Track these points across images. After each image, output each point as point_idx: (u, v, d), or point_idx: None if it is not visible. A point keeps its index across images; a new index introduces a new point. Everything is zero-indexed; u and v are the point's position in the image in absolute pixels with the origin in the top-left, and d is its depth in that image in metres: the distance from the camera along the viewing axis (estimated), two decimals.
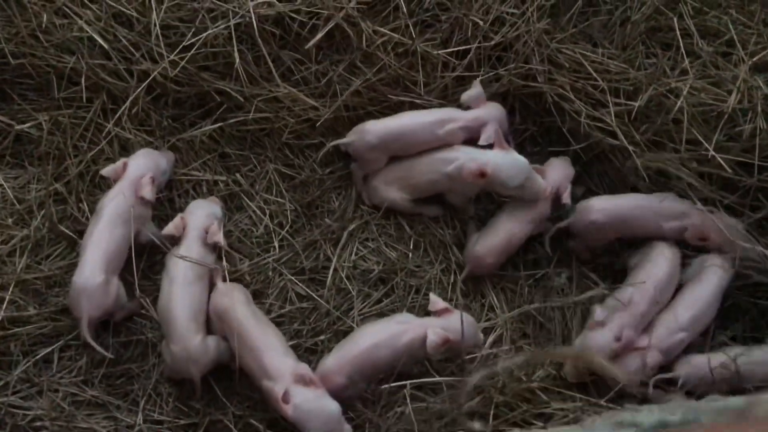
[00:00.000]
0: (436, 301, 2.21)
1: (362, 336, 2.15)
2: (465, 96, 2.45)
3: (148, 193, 2.24)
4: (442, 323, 2.14)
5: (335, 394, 2.05)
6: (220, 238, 2.24)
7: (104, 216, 2.20)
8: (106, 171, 2.29)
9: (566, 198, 2.41)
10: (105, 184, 2.43)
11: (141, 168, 2.28)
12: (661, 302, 2.26)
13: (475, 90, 2.44)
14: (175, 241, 2.26)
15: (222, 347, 2.14)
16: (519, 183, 2.30)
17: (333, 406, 1.97)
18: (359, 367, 2.11)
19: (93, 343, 2.11)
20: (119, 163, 2.30)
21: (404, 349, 2.14)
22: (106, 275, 2.14)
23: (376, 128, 2.41)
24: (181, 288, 2.13)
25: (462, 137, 2.41)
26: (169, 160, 2.43)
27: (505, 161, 2.29)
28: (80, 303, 2.12)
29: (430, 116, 2.42)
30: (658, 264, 2.30)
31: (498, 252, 2.40)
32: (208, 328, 2.17)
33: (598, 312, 2.21)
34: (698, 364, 2.16)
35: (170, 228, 2.23)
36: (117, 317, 2.25)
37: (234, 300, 2.16)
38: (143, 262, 2.34)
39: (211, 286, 2.22)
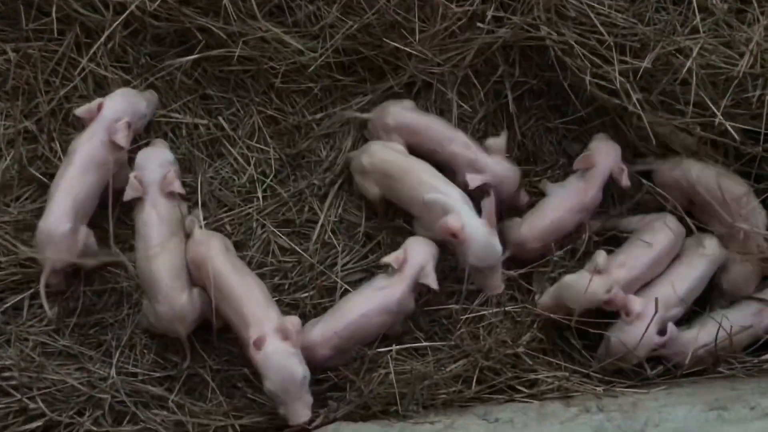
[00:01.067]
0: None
1: (349, 308, 2.08)
2: (490, 141, 2.30)
3: (121, 138, 2.11)
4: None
5: (319, 364, 2.01)
6: (177, 186, 2.13)
7: (75, 160, 2.09)
8: (80, 111, 2.16)
9: (625, 180, 2.27)
10: (79, 124, 2.29)
11: (117, 110, 2.15)
12: (656, 273, 2.21)
13: (501, 140, 2.29)
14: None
15: (207, 300, 2.06)
16: (480, 265, 2.10)
17: (299, 370, 1.91)
18: (347, 339, 2.06)
19: (43, 297, 2.03)
20: (94, 103, 2.16)
21: (394, 316, 2.10)
22: (74, 223, 2.04)
23: (397, 113, 2.30)
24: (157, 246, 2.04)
25: (465, 170, 2.25)
26: (151, 101, 2.29)
27: (481, 238, 2.07)
28: (44, 251, 2.03)
29: (453, 133, 2.29)
30: (664, 233, 2.22)
31: (544, 237, 2.26)
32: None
33: (601, 258, 2.14)
34: (687, 342, 2.12)
35: (129, 192, 2.11)
36: (87, 266, 2.16)
37: (211, 248, 2.07)
38: (117, 207, 2.23)
39: (188, 236, 2.13)
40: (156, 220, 2.08)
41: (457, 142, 2.28)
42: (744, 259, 2.23)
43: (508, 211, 2.34)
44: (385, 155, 2.24)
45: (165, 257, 2.04)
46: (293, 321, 1.96)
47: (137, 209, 2.12)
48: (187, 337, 2.09)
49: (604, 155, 2.29)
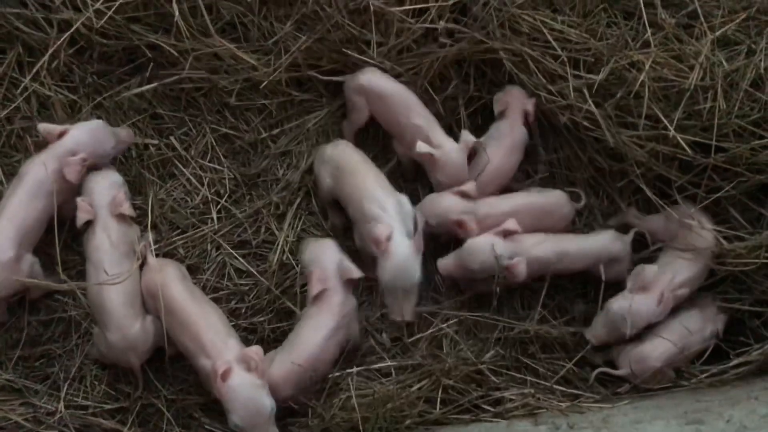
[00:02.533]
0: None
1: (305, 341, 2.00)
2: (464, 133, 2.29)
3: (71, 173, 2.03)
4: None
5: (282, 402, 1.93)
6: (126, 208, 2.06)
7: (23, 185, 2.00)
8: (43, 127, 2.08)
9: (532, 116, 2.35)
10: (21, 145, 2.21)
11: (78, 143, 2.07)
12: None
13: (472, 138, 2.28)
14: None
15: (160, 328, 1.98)
16: (394, 284, 2.05)
17: (267, 403, 1.85)
18: (307, 375, 1.99)
19: None
20: (58, 128, 2.08)
21: (346, 327, 2.05)
22: (17, 250, 1.96)
23: (372, 75, 2.28)
24: (109, 273, 1.95)
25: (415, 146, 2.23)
26: (122, 140, 2.19)
27: (401, 256, 2.03)
28: None
29: (422, 111, 2.28)
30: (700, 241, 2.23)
31: (494, 182, 2.33)
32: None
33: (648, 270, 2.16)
34: (641, 356, 2.13)
35: (82, 217, 2.03)
36: (33, 295, 2.07)
37: (166, 277, 2.00)
38: (65, 233, 2.14)
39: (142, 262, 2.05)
40: (107, 244, 2.00)
41: (422, 116, 2.27)
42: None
43: None
44: (346, 150, 2.25)
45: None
46: (256, 351, 1.89)
47: (88, 234, 2.04)
48: (140, 366, 2.00)
49: (514, 96, 2.37)
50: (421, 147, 2.21)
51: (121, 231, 2.04)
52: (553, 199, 2.33)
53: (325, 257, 2.09)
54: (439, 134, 2.25)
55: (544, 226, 2.28)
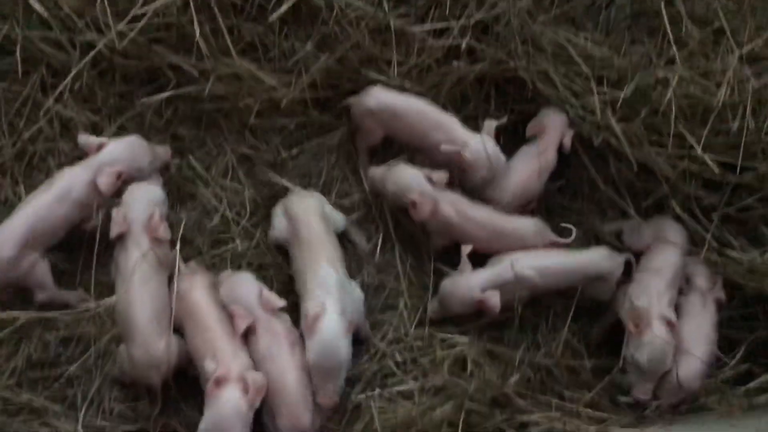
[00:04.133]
0: None
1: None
2: (486, 122, 2.29)
3: (104, 185, 2.05)
4: None
5: None
6: (162, 232, 2.05)
7: (51, 188, 2.04)
8: (82, 138, 2.12)
9: (567, 144, 2.31)
10: (44, 167, 2.24)
11: (114, 156, 2.09)
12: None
13: (493, 123, 2.28)
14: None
15: (184, 348, 1.97)
16: (311, 360, 1.92)
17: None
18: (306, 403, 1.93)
19: None
20: (97, 140, 2.11)
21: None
22: (22, 250, 1.97)
23: (379, 95, 2.25)
24: (138, 287, 1.94)
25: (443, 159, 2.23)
26: (159, 157, 2.21)
27: (325, 337, 1.91)
28: None
29: (439, 115, 2.26)
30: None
31: (515, 200, 2.31)
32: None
33: None
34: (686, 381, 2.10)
35: (115, 229, 2.02)
36: (38, 298, 2.08)
37: (194, 281, 2.02)
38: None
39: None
40: (139, 257, 1.98)
41: (440, 120, 2.24)
42: None
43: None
44: (311, 217, 2.14)
45: (145, 297, 1.94)
46: (258, 378, 1.85)
47: (119, 246, 2.03)
48: (161, 384, 1.98)
49: (554, 121, 2.33)
50: (446, 148, 2.19)
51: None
52: (522, 227, 2.25)
53: (243, 291, 2.04)
54: (461, 132, 2.23)
55: (501, 246, 2.22)
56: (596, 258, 2.23)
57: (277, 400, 1.90)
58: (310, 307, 1.95)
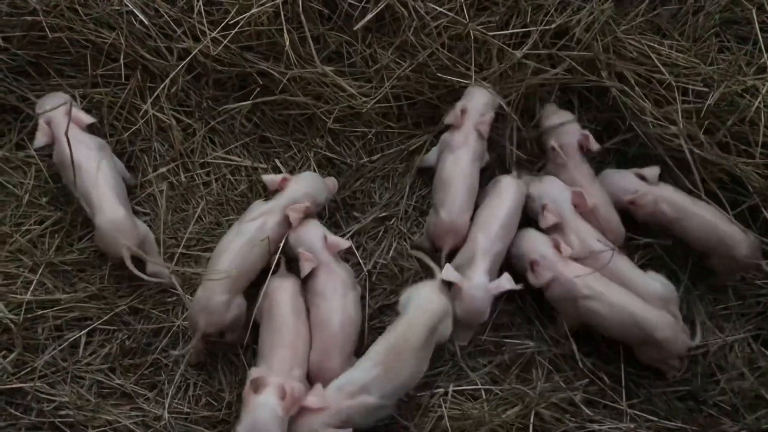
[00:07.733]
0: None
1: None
2: (645, 170, 2.29)
3: (295, 220, 2.13)
4: None
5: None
6: (343, 244, 2.13)
7: (245, 231, 2.10)
8: (267, 178, 2.22)
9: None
10: (139, 165, 2.37)
11: (300, 193, 2.18)
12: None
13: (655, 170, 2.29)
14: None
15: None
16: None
17: None
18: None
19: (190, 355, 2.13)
20: (279, 177, 2.21)
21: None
22: (231, 294, 2.06)
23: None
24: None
25: None
26: (328, 188, 2.30)
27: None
28: (197, 317, 2.05)
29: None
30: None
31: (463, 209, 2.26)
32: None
33: None
34: None
35: (306, 266, 2.09)
36: (229, 338, 2.16)
37: (281, 285, 2.09)
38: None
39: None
40: (338, 282, 2.08)
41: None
42: None
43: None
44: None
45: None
46: (296, 387, 1.87)
47: (312, 279, 2.10)
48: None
49: (472, 99, 2.29)
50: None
51: (343, 268, 2.13)
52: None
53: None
54: None
55: None
56: (659, 287, 2.17)
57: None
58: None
